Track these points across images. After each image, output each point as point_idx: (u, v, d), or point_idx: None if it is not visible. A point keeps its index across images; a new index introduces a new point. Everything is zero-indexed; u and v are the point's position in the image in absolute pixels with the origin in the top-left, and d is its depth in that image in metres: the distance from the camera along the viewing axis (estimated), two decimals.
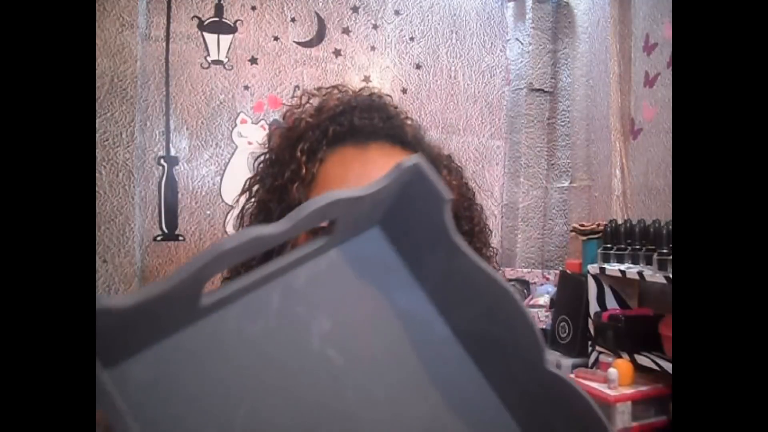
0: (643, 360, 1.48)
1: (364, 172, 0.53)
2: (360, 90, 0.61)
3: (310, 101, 0.60)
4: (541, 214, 2.28)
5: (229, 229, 1.92)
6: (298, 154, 0.54)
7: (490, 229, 0.64)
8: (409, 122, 0.59)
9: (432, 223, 0.35)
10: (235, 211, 0.63)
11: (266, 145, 0.61)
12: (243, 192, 0.61)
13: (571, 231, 1.99)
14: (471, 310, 0.36)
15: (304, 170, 0.54)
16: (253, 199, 0.60)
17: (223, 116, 1.92)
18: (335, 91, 0.60)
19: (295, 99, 0.61)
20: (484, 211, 0.64)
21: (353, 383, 0.34)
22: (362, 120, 0.56)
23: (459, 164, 0.63)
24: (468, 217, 0.61)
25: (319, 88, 0.61)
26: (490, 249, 0.63)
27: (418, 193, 0.35)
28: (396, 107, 0.60)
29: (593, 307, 1.68)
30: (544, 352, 0.34)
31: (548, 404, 0.34)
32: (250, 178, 0.61)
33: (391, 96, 0.61)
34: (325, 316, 0.35)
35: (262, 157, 0.61)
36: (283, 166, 0.56)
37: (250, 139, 1.95)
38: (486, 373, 0.37)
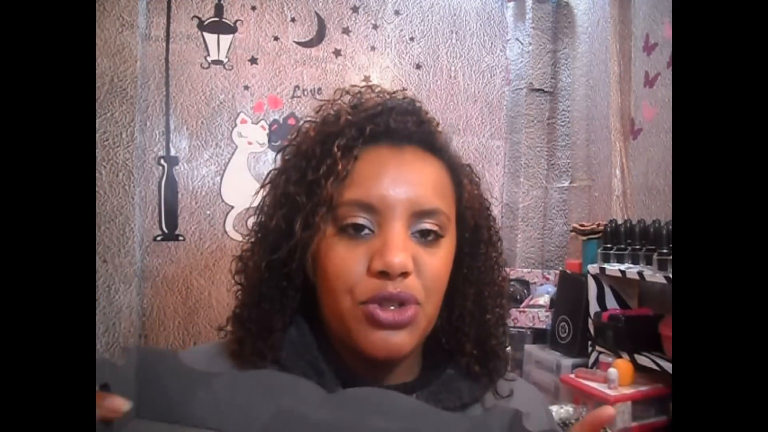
0: (643, 360, 1.48)
1: (399, 173, 0.54)
2: (394, 93, 0.62)
3: (342, 98, 0.60)
4: (541, 214, 2.28)
5: (229, 228, 1.92)
6: (335, 149, 0.54)
7: (501, 238, 0.65)
8: (439, 129, 0.60)
9: None
10: (255, 202, 0.62)
11: (294, 138, 0.60)
12: (265, 184, 0.60)
13: (571, 231, 1.98)
14: None
15: (339, 166, 0.53)
16: (275, 191, 0.59)
17: (223, 116, 1.92)
18: (369, 90, 0.61)
19: (329, 96, 0.61)
20: (496, 221, 0.65)
21: None
22: (398, 123, 0.56)
23: (477, 175, 0.65)
24: (487, 226, 0.62)
25: (353, 86, 0.62)
26: (502, 258, 0.64)
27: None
28: (427, 113, 0.61)
29: (593, 307, 1.68)
30: None
31: None
32: (274, 169, 0.61)
33: (421, 102, 0.62)
34: None
35: (288, 149, 0.60)
36: (316, 160, 0.55)
37: (250, 139, 1.95)
38: None
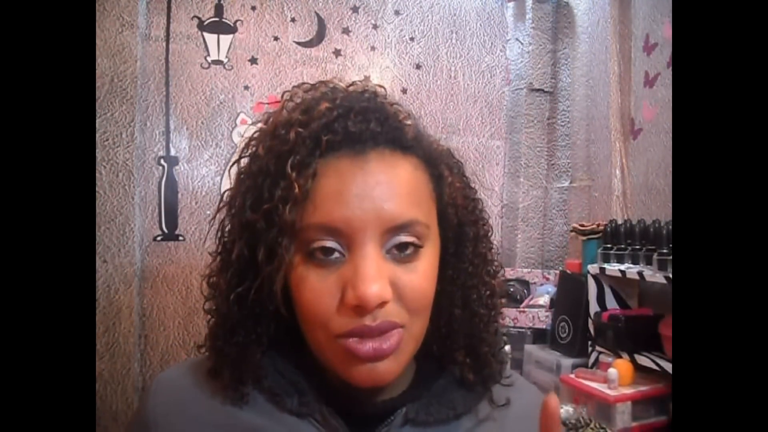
0: (643, 360, 1.48)
1: (365, 187, 0.48)
2: (351, 85, 0.54)
3: (294, 99, 0.53)
4: (541, 214, 2.27)
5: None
6: (289, 169, 0.48)
7: (491, 227, 0.60)
8: (408, 122, 0.53)
9: None
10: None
11: (245, 150, 0.54)
12: (221, 207, 0.55)
13: (571, 231, 1.98)
14: None
15: (296, 188, 0.47)
16: (233, 212, 0.54)
17: (223, 116, 1.92)
18: (322, 86, 0.54)
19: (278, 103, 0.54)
20: (485, 209, 0.60)
21: None
22: (358, 125, 0.49)
23: (458, 159, 0.59)
24: (473, 221, 0.58)
25: (300, 84, 0.54)
26: (492, 252, 0.59)
27: None
28: (393, 104, 0.54)
29: (593, 307, 1.68)
30: None
31: None
32: (230, 190, 0.55)
33: (385, 88, 0.55)
34: None
35: (245, 163, 0.53)
36: (270, 181, 0.49)
37: None
38: None
